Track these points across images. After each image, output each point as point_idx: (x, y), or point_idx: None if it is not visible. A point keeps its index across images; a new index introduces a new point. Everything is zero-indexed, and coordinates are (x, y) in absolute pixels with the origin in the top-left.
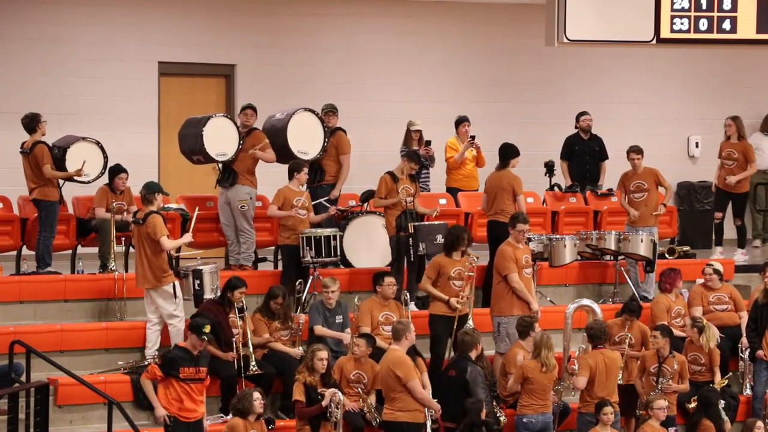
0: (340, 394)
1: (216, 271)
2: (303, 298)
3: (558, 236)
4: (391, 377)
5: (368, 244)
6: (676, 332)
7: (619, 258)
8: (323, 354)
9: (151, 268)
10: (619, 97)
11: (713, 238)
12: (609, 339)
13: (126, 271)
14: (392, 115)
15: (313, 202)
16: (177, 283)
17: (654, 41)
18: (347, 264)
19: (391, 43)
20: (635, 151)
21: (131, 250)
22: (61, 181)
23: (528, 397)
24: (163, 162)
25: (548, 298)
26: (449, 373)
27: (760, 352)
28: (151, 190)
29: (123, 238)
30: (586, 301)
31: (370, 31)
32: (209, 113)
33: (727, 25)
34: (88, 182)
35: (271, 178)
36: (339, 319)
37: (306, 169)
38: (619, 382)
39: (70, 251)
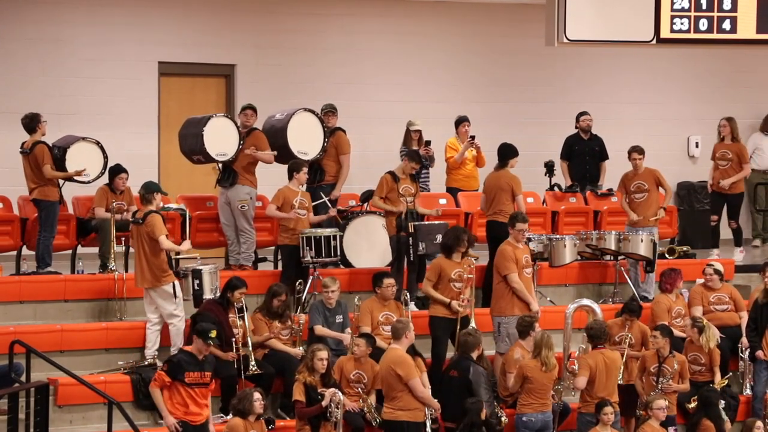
0: (340, 394)
1: (215, 272)
2: (303, 298)
3: (558, 236)
4: (391, 376)
5: (368, 244)
6: (677, 332)
7: (619, 258)
8: (323, 354)
9: (151, 268)
10: (619, 97)
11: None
12: (609, 339)
13: (126, 271)
14: (392, 115)
15: (314, 203)
16: (177, 282)
17: (654, 41)
18: (347, 264)
19: (391, 43)
20: (637, 151)
21: (131, 250)
22: (61, 181)
23: (528, 397)
24: (163, 162)
25: (548, 298)
26: (451, 374)
27: (759, 352)
28: (149, 189)
29: (123, 238)
30: (586, 301)
31: (370, 31)
32: (209, 113)
33: (727, 25)
34: (88, 182)
35: (271, 178)
36: (339, 319)
37: (305, 169)
38: (619, 382)
39: (70, 251)
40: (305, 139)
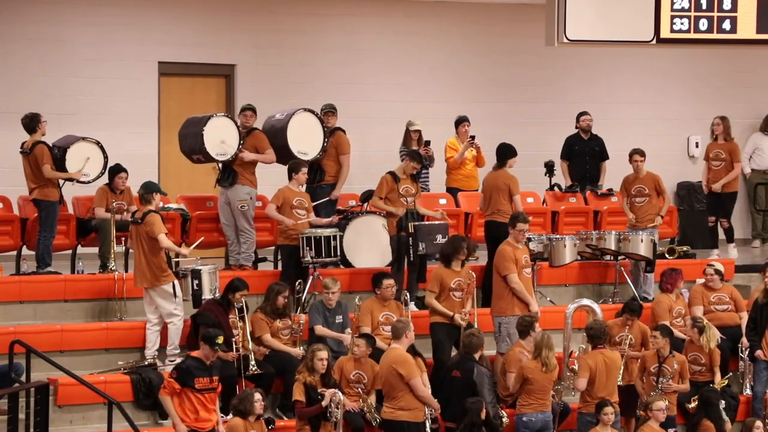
0: (340, 394)
1: (215, 272)
2: (303, 298)
3: (558, 236)
4: (392, 375)
5: (368, 244)
6: (677, 332)
7: (620, 258)
8: (323, 354)
9: (150, 268)
10: (619, 97)
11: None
12: (609, 339)
13: (126, 271)
14: (392, 115)
15: (314, 203)
16: (176, 282)
17: (654, 41)
18: (347, 264)
19: (391, 43)
20: (638, 153)
21: (131, 250)
22: (61, 181)
23: (528, 397)
24: (163, 162)
25: (548, 298)
26: (453, 374)
27: (759, 352)
28: (149, 189)
29: (123, 238)
30: (586, 301)
31: (370, 31)
32: (209, 113)
33: (727, 25)
34: (88, 182)
35: (271, 178)
36: (339, 319)
37: (305, 170)
38: (619, 382)
39: (70, 251)
40: (305, 139)
